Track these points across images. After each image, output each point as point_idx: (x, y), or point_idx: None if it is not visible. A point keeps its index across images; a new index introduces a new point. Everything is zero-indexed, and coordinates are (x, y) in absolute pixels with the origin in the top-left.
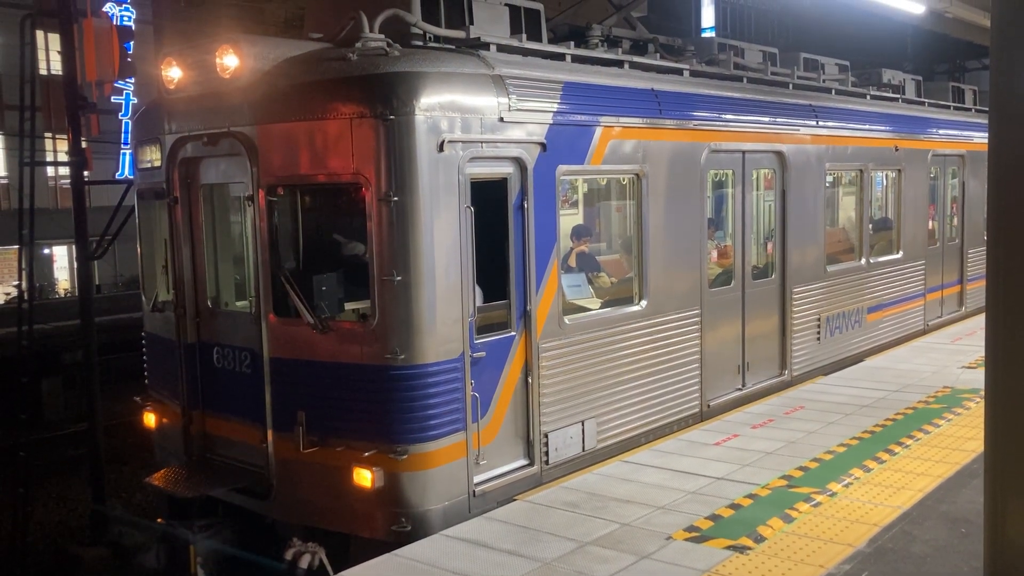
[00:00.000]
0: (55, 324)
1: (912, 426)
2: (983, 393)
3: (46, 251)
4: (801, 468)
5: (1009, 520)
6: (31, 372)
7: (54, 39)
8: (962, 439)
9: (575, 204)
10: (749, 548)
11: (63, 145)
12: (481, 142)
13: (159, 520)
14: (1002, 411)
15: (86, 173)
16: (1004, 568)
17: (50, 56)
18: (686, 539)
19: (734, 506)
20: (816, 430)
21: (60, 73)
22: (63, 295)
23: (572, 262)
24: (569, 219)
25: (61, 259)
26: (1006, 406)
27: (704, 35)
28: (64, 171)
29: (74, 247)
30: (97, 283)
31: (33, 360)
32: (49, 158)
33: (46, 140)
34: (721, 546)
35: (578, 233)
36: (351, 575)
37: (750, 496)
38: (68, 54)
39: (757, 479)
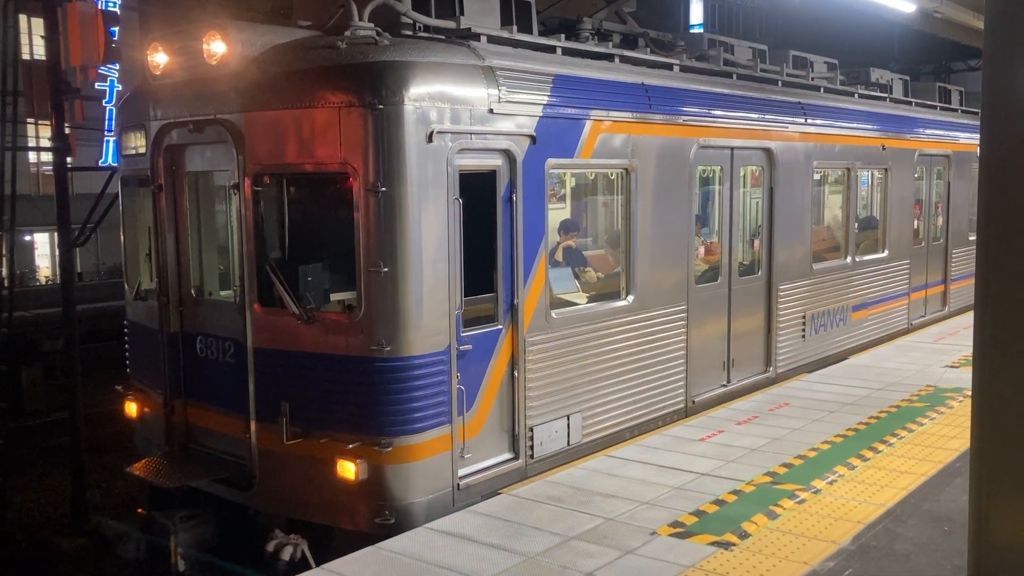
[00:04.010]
0: (36, 312)
1: (896, 424)
2: (966, 392)
3: (27, 238)
4: (786, 465)
5: (993, 519)
6: (11, 360)
7: (37, 23)
8: (945, 438)
9: (563, 198)
10: (733, 544)
11: (46, 131)
12: (470, 133)
13: (140, 511)
14: (988, 409)
15: (69, 159)
16: (988, 566)
17: (33, 40)
18: (670, 535)
19: (719, 502)
20: (801, 427)
21: (43, 58)
22: (44, 283)
23: (559, 256)
24: (557, 213)
25: (43, 246)
26: (992, 404)
27: (693, 31)
28: (47, 157)
29: (56, 234)
30: (79, 271)
31: (13, 348)
32: (32, 144)
33: (28, 126)
34: (705, 542)
35: (566, 228)
36: (334, 567)
37: (735, 492)
38: (52, 38)
39: (742, 475)
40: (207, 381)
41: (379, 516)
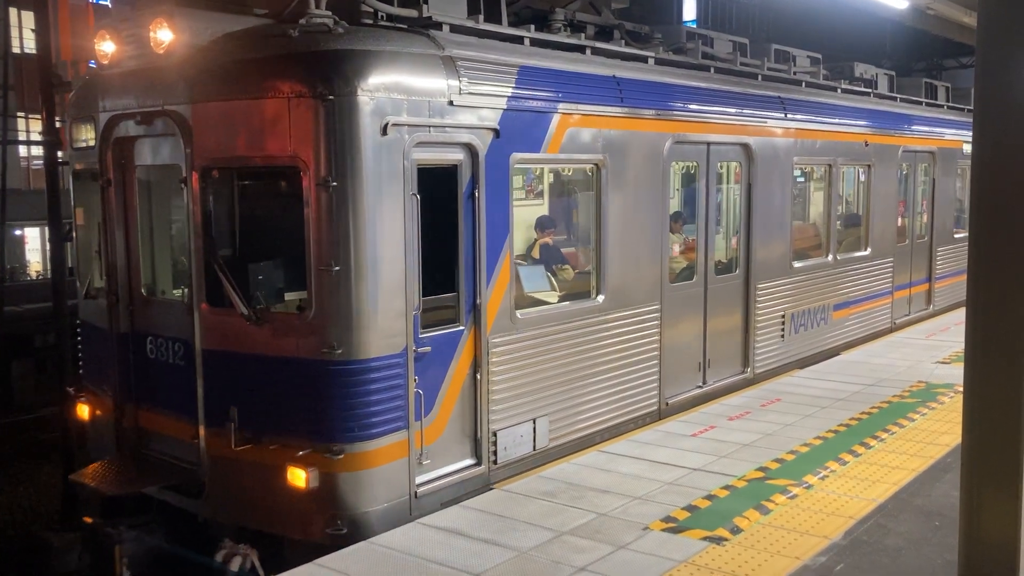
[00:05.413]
0: (27, 307)
1: (887, 420)
2: (957, 388)
3: (17, 232)
4: (777, 460)
5: (984, 513)
6: (2, 355)
7: (28, 16)
8: (936, 433)
9: (540, 195)
10: (726, 539)
11: (36, 125)
12: (429, 126)
13: (86, 519)
14: (979, 406)
15: (60, 153)
16: (978, 561)
17: (23, 34)
18: (663, 530)
19: (711, 497)
20: (793, 423)
21: (34, 51)
22: (35, 277)
23: (535, 254)
24: (529, 210)
25: (33, 241)
26: (983, 401)
27: (686, 27)
28: (37, 151)
29: (47, 229)
30: (70, 265)
31: (4, 342)
32: (22, 138)
33: (19, 119)
34: (698, 537)
35: (542, 225)
36: (327, 563)
37: (727, 487)
38: (42, 32)
39: (734, 470)
40: (157, 384)
41: (331, 526)
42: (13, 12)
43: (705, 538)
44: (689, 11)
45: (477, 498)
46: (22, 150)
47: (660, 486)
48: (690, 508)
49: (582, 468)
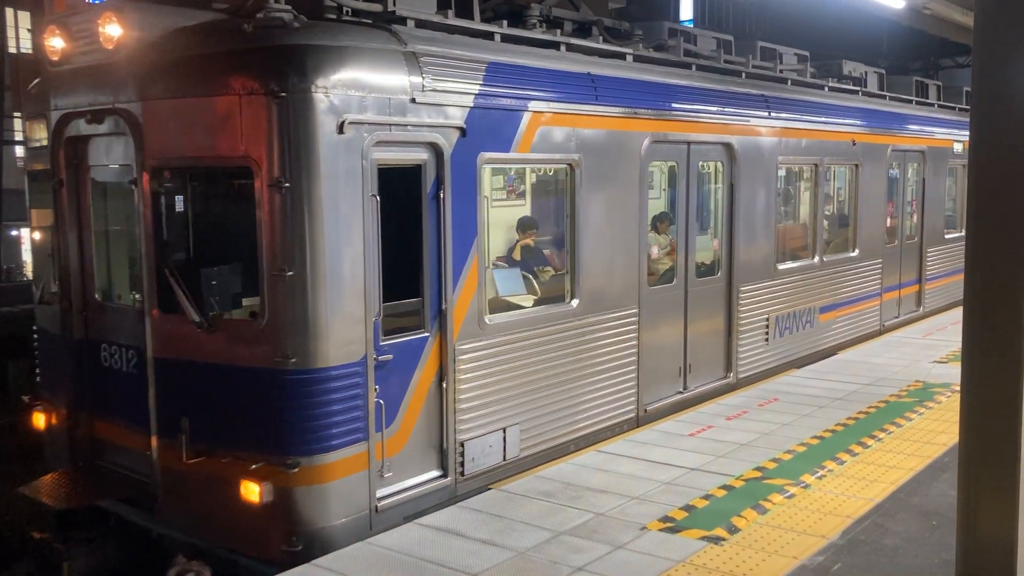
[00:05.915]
0: (23, 307)
1: (885, 419)
2: (954, 387)
3: (14, 232)
4: (775, 460)
5: (981, 512)
6: None
7: (24, 16)
8: (934, 432)
9: (521, 195)
10: (723, 539)
11: None
12: (389, 125)
13: (35, 534)
14: (976, 406)
15: None
16: (976, 560)
17: (19, 34)
18: (661, 529)
19: (708, 497)
20: (790, 422)
21: (30, 51)
22: (31, 278)
23: (517, 255)
24: (511, 211)
25: (30, 241)
26: (981, 399)
27: (670, 25)
28: None
29: None
30: None
31: (0, 343)
32: (19, 138)
33: (15, 120)
34: (695, 537)
35: (523, 226)
36: (323, 563)
37: (724, 487)
38: (39, 31)
39: (731, 470)
40: (111, 393)
41: (286, 542)
42: (9, 12)
43: (703, 538)
44: (686, 11)
45: (475, 498)
46: (19, 150)
47: (658, 486)
48: (688, 508)
49: (580, 468)
